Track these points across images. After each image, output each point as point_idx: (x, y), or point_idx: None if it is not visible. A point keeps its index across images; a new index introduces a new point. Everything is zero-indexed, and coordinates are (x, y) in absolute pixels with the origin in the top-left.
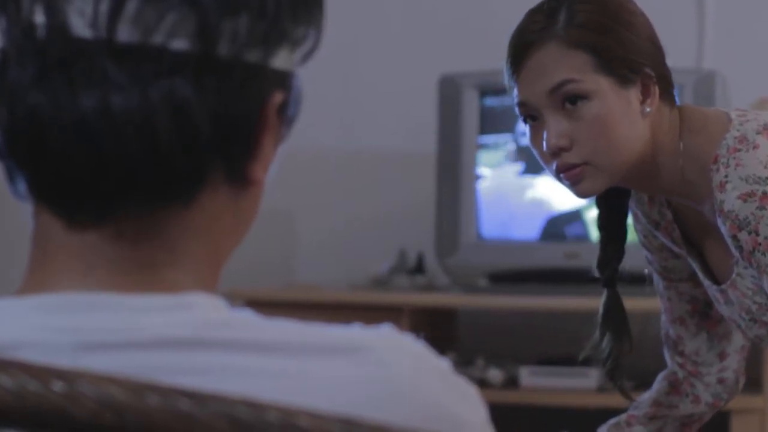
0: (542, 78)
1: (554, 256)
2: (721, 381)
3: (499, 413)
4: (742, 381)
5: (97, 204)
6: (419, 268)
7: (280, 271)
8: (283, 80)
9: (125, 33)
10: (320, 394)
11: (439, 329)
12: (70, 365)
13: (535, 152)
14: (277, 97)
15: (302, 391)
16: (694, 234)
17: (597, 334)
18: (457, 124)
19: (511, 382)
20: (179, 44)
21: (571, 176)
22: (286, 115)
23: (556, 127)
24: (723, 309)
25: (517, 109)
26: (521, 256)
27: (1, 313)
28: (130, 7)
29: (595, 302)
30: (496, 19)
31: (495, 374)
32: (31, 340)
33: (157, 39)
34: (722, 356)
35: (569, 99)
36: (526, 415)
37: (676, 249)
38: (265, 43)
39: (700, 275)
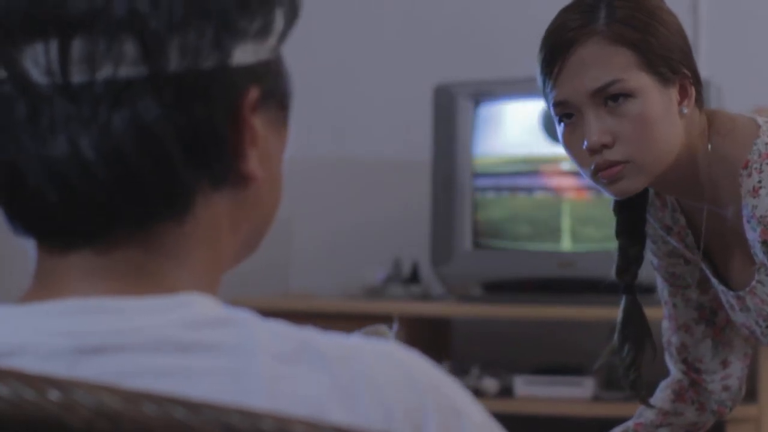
0: (585, 76)
1: (549, 266)
2: (725, 388)
3: None
4: (744, 389)
5: (84, 237)
6: (414, 277)
7: (275, 279)
8: (255, 73)
9: (77, 73)
10: (305, 401)
11: (433, 338)
12: (69, 369)
13: (569, 152)
14: (252, 93)
15: (293, 396)
16: (707, 239)
17: (615, 341)
18: (452, 132)
19: (506, 392)
20: (126, 71)
21: (610, 174)
22: (276, 100)
23: (598, 124)
24: (737, 315)
25: (552, 109)
26: (516, 265)
27: (1, 319)
28: (76, 48)
29: (589, 311)
30: (492, 29)
31: (490, 383)
32: (30, 345)
33: (107, 71)
34: (725, 364)
35: (612, 97)
36: (520, 424)
37: (688, 255)
38: (219, 47)
39: (714, 281)
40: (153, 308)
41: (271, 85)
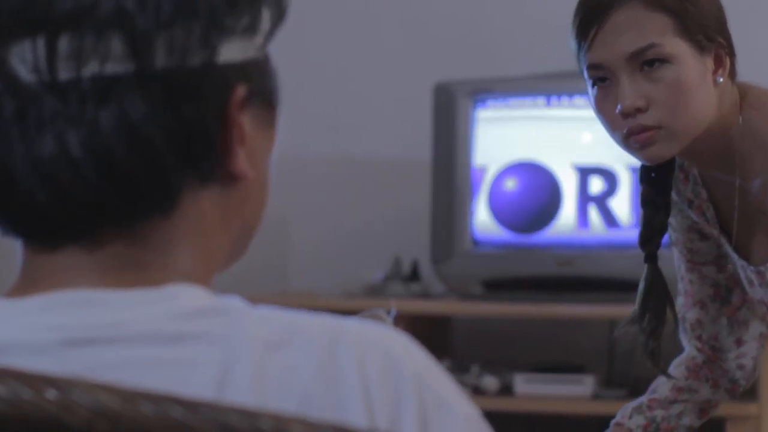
0: (622, 40)
1: (548, 264)
2: (740, 367)
3: (493, 421)
4: (758, 370)
5: (71, 234)
6: (414, 275)
7: (275, 278)
8: (242, 71)
9: (64, 70)
10: (290, 388)
11: (433, 336)
12: (58, 363)
13: (600, 117)
14: (239, 90)
15: (281, 384)
16: (728, 214)
17: (636, 310)
18: (451, 131)
19: (506, 390)
20: (114, 68)
21: (643, 139)
22: (263, 99)
23: (633, 88)
24: (756, 291)
25: (585, 72)
26: (516, 264)
27: None
28: (63, 44)
29: (589, 310)
30: (491, 27)
31: (490, 381)
32: (18, 339)
33: (94, 68)
34: (739, 342)
35: (647, 62)
36: (520, 422)
37: (707, 229)
38: (206, 44)
39: (734, 255)
40: (141, 300)
41: (259, 83)
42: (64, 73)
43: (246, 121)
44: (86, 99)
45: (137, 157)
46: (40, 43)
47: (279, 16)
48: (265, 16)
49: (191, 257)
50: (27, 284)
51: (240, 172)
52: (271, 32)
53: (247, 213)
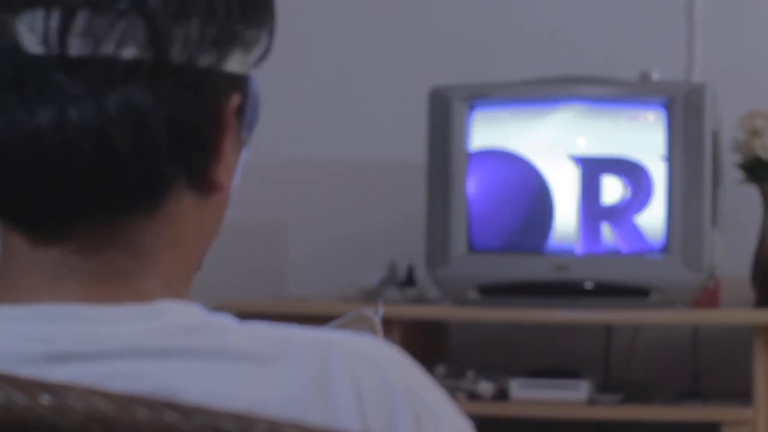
0: None
1: (544, 269)
2: None
3: (489, 426)
4: None
5: (58, 219)
6: (410, 280)
7: (271, 283)
8: (239, 83)
9: (76, 46)
10: (281, 402)
11: (429, 341)
12: (43, 375)
13: None
14: (235, 100)
15: (271, 397)
16: None
17: None
18: (447, 136)
19: (502, 395)
20: (130, 52)
21: None
22: (244, 119)
23: None
24: None
25: None
26: (512, 269)
27: None
28: (80, 20)
29: (585, 315)
30: (486, 32)
31: (485, 386)
32: (4, 349)
33: (108, 49)
34: None
35: None
36: (516, 427)
37: None
38: (217, 46)
39: None
40: (129, 316)
41: (246, 102)
42: (76, 49)
43: (227, 135)
44: (95, 78)
45: (135, 143)
46: (55, 15)
47: (269, 45)
48: (264, 37)
49: (171, 265)
50: (7, 284)
51: (219, 182)
52: (262, 57)
53: (217, 225)
